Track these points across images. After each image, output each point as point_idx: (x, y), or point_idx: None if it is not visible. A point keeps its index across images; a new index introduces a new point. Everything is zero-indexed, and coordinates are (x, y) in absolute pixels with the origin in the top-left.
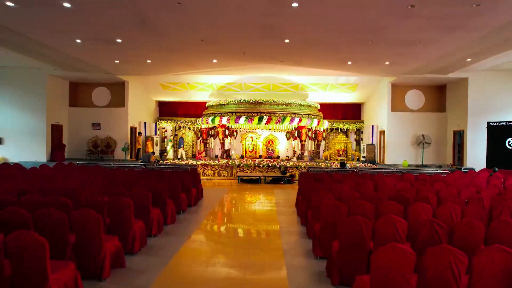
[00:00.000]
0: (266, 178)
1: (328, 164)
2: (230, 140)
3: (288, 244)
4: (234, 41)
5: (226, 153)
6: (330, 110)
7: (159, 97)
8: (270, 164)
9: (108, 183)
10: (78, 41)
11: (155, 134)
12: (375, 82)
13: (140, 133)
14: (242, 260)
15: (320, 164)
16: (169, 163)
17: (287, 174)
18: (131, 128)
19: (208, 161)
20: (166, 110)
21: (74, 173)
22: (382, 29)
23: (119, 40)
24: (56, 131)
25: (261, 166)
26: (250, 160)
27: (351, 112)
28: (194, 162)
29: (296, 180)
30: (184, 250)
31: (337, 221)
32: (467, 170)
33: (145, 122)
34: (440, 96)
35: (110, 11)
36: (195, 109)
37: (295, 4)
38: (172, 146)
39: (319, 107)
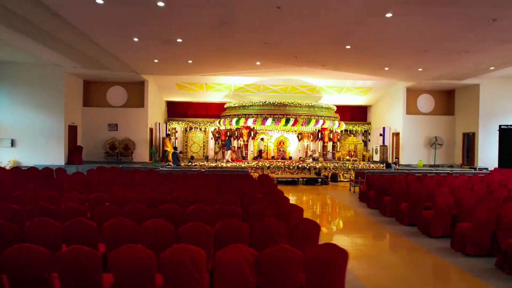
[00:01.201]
0: (300, 179)
1: (360, 165)
2: (262, 141)
3: (421, 243)
4: (296, 45)
5: (259, 154)
6: (339, 112)
7: (170, 97)
8: (299, 166)
9: (215, 189)
10: (136, 39)
11: (166, 134)
12: (388, 85)
13: (168, 135)
14: (413, 262)
15: (346, 164)
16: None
17: (322, 175)
18: (150, 129)
19: (239, 162)
20: (175, 110)
21: (138, 177)
22: (442, 39)
23: (179, 40)
24: (71, 132)
25: (291, 167)
26: (280, 161)
27: (358, 114)
28: (223, 164)
29: (330, 181)
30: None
31: None
32: (485, 170)
33: (159, 123)
34: (448, 100)
35: (198, 10)
36: (206, 110)
37: (389, 15)
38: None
39: (335, 109)
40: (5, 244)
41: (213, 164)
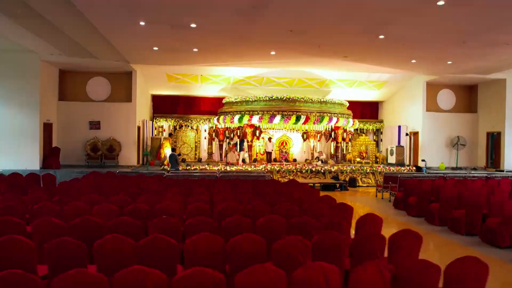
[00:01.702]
0: (315, 184)
1: (379, 169)
2: (269, 142)
3: (491, 254)
4: (323, 34)
5: (268, 156)
6: (348, 108)
7: (157, 91)
8: (313, 169)
9: (256, 196)
10: (142, 23)
11: (152, 134)
12: (406, 79)
13: (171, 134)
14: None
15: (364, 167)
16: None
17: (341, 180)
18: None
19: (245, 166)
20: (163, 106)
21: (149, 185)
22: (484, 30)
23: (193, 25)
24: (46, 131)
25: (303, 171)
26: (291, 165)
27: (369, 111)
28: (228, 168)
29: (348, 186)
30: None
31: None
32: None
33: (146, 121)
34: (470, 96)
35: None
36: (198, 105)
37: (441, 3)
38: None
39: (348, 105)
40: (75, 265)
41: (216, 168)
